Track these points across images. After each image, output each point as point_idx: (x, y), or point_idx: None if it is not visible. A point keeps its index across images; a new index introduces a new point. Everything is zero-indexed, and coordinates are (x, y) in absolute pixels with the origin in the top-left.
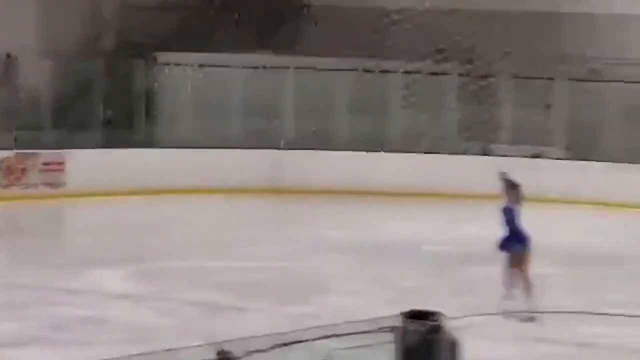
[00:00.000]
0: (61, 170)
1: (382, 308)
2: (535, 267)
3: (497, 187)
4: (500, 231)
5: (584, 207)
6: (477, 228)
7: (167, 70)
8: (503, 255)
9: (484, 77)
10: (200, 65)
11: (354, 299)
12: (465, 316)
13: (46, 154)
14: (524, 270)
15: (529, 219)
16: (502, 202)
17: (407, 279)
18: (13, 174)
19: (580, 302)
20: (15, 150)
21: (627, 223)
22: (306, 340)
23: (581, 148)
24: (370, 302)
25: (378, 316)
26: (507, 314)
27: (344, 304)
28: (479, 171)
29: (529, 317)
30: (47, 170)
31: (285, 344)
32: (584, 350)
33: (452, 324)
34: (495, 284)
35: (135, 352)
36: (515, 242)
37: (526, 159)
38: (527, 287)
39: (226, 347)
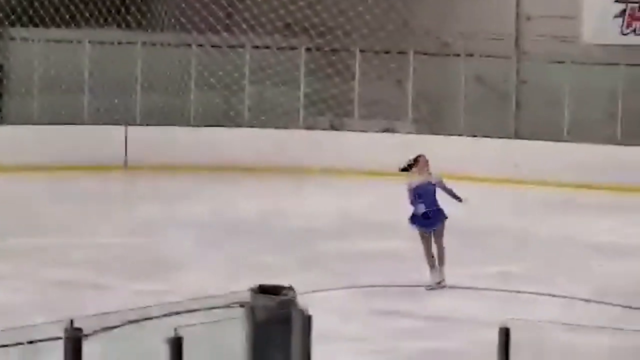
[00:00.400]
0: None
1: (234, 284)
2: (388, 241)
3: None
4: (402, 208)
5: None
6: (327, 202)
7: (17, 46)
8: (417, 231)
9: (333, 51)
10: (49, 41)
11: (205, 275)
12: (316, 291)
13: None
14: (440, 242)
15: (380, 193)
16: (416, 180)
17: (259, 255)
18: None
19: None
20: None
21: (479, 195)
22: (155, 317)
23: (432, 122)
24: (222, 278)
25: (229, 292)
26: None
27: (196, 281)
28: (329, 146)
29: (438, 285)
30: None
31: (135, 321)
32: (434, 324)
33: (303, 299)
34: (346, 259)
35: None
36: (434, 217)
37: (377, 134)
38: (442, 257)
39: (76, 324)
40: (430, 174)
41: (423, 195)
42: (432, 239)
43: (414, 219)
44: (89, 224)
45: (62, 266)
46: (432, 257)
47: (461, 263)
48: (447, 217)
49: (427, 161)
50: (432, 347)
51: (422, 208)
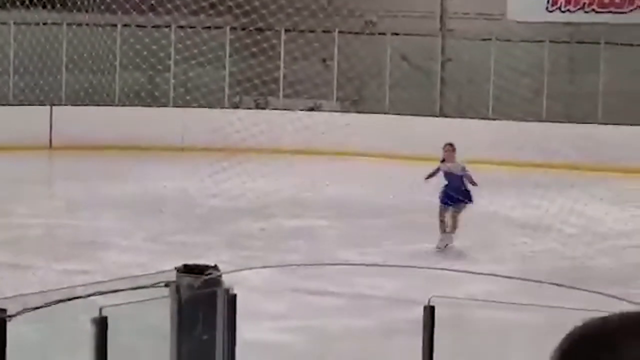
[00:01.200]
0: None
1: (158, 263)
2: (310, 219)
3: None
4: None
5: (354, 160)
6: (251, 181)
7: None
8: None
9: (258, 30)
10: None
11: (129, 255)
12: (240, 269)
13: None
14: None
15: (304, 172)
16: (445, 166)
17: (182, 234)
18: None
19: (353, 254)
20: None
21: (403, 174)
22: (80, 297)
23: (357, 101)
24: (147, 257)
25: (154, 271)
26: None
27: (120, 260)
28: (253, 124)
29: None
30: None
31: (59, 301)
32: (358, 302)
33: (228, 278)
34: (269, 237)
35: None
36: (455, 199)
37: (301, 112)
38: (454, 226)
39: (0, 305)
40: (454, 162)
41: (450, 179)
42: (450, 212)
43: (440, 194)
44: (10, 204)
45: None
46: (443, 222)
47: (385, 241)
48: (471, 202)
49: (452, 149)
50: (356, 325)
51: (447, 189)
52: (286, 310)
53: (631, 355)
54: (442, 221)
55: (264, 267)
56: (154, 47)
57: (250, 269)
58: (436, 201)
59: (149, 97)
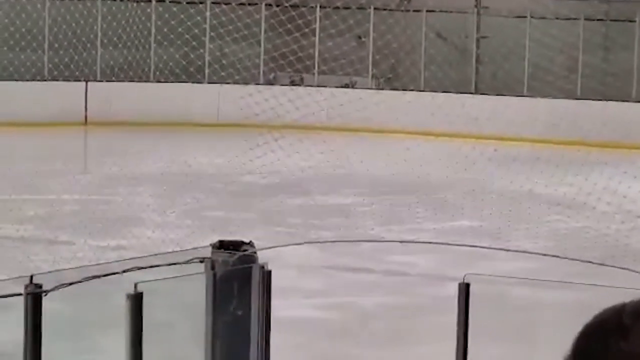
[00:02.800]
0: None
1: (193, 239)
2: (345, 197)
3: None
4: None
5: (389, 137)
6: (287, 158)
7: None
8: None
9: (293, 7)
10: None
11: (164, 231)
12: (275, 246)
13: None
14: None
15: (340, 148)
16: None
17: (217, 210)
18: None
19: (388, 231)
20: None
21: (438, 151)
22: (116, 273)
23: (392, 78)
24: (181, 233)
25: (189, 247)
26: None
27: (155, 236)
28: (288, 101)
29: None
30: None
31: (94, 277)
32: (392, 278)
33: (263, 254)
34: (305, 214)
35: None
36: None
37: (337, 89)
38: None
39: (36, 280)
40: None
41: None
42: None
43: None
44: (45, 180)
45: (18, 222)
46: None
47: (419, 218)
48: None
49: None
50: (390, 302)
51: None
52: (320, 287)
53: None
54: None
55: (299, 243)
56: (189, 23)
57: (285, 245)
58: (470, 178)
59: (183, 73)
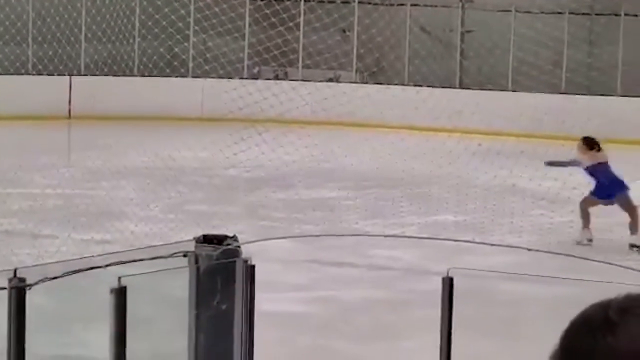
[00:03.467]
0: None
1: (177, 233)
2: (329, 190)
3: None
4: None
5: (373, 131)
6: (271, 152)
7: None
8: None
9: (278, 0)
10: None
11: (148, 225)
12: (259, 240)
13: None
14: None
15: (324, 142)
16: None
17: (202, 204)
18: None
19: (372, 225)
20: None
21: (419, 145)
22: (99, 267)
23: (376, 72)
24: (165, 227)
25: (172, 241)
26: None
27: (138, 230)
28: (272, 95)
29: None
30: None
31: (78, 271)
32: (376, 273)
33: (247, 248)
34: (289, 208)
35: None
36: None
37: (321, 83)
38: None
39: (19, 274)
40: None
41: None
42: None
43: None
44: (28, 174)
45: (1, 216)
46: (588, 216)
47: (403, 212)
48: (627, 189)
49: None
50: (374, 296)
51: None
52: (304, 281)
53: (634, 337)
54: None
55: (283, 237)
56: (173, 17)
57: (269, 239)
58: (454, 172)
59: (167, 67)
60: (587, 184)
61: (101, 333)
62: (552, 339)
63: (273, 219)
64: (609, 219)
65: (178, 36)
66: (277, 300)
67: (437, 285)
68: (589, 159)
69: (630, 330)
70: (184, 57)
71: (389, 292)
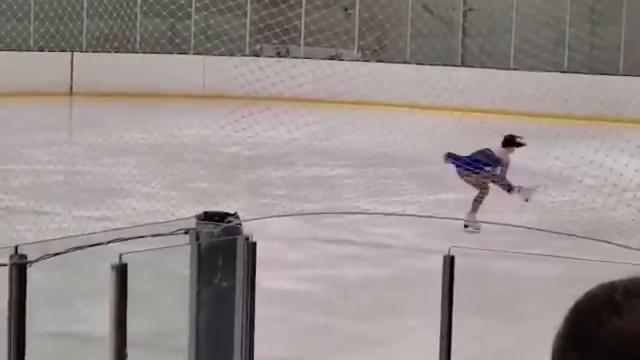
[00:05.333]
0: None
1: (178, 210)
2: (330, 169)
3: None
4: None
5: (374, 109)
6: (272, 130)
7: None
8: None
9: None
10: None
11: (149, 202)
12: (260, 218)
13: None
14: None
15: (325, 120)
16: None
17: (203, 181)
18: None
19: (373, 203)
20: None
21: (420, 123)
22: (100, 244)
23: (378, 50)
24: (166, 204)
25: (174, 219)
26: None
27: (140, 207)
28: (274, 73)
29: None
30: None
31: (79, 247)
32: (376, 251)
33: (247, 226)
34: (290, 185)
35: None
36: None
37: (323, 61)
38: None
39: (21, 251)
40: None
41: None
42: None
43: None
44: (30, 150)
45: (3, 192)
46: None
47: (404, 190)
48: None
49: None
50: (374, 274)
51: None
52: (305, 258)
53: (638, 320)
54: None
55: (284, 215)
56: None
57: (270, 217)
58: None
59: (169, 44)
60: (589, 161)
61: (103, 309)
62: (552, 317)
63: (274, 196)
64: (610, 198)
65: (180, 13)
66: (278, 278)
67: (438, 263)
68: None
69: (636, 313)
70: (185, 34)
71: (390, 270)
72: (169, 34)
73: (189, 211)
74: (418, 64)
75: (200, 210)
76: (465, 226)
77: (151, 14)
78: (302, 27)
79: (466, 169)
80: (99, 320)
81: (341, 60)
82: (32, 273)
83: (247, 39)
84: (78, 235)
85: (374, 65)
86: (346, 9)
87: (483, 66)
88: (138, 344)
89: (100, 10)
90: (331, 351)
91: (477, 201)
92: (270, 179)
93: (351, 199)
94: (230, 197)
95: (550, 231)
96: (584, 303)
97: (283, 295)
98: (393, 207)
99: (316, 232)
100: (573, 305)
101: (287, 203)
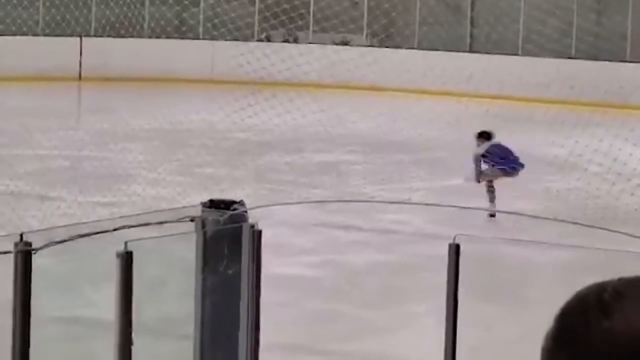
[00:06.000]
0: None
1: (185, 196)
2: (337, 155)
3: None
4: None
5: (383, 95)
6: (280, 116)
7: None
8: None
9: None
10: None
11: (156, 188)
12: (267, 205)
13: None
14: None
15: (334, 106)
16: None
17: (210, 167)
18: None
19: (380, 190)
20: None
21: (427, 110)
22: (106, 231)
23: (386, 36)
24: (174, 190)
25: (180, 205)
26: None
27: (147, 193)
28: (283, 59)
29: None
30: None
31: (85, 235)
32: (383, 237)
33: (253, 213)
34: (298, 172)
35: None
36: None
37: (331, 47)
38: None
39: (26, 238)
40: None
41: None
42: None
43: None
44: (37, 136)
45: (8, 178)
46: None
47: (412, 176)
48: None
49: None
50: (380, 260)
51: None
52: (312, 244)
53: (628, 321)
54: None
55: (289, 203)
56: None
57: (276, 205)
58: (462, 137)
59: (176, 32)
60: (594, 151)
61: (110, 295)
62: (556, 304)
63: (281, 182)
64: (615, 187)
65: (186, 1)
66: (285, 264)
67: (445, 250)
68: None
69: (625, 314)
70: (193, 22)
71: (397, 256)
72: (176, 22)
73: (195, 198)
74: (425, 50)
75: (206, 196)
76: (492, 216)
77: (157, 2)
78: (311, 14)
79: (509, 168)
80: (107, 305)
81: (349, 46)
82: (40, 259)
83: (255, 26)
84: (84, 223)
85: (381, 52)
86: None
87: (491, 52)
88: (144, 331)
89: None
90: (337, 337)
91: (491, 191)
92: (278, 165)
93: (358, 186)
94: (237, 183)
95: (555, 219)
96: (574, 303)
97: (289, 282)
98: (400, 194)
99: (323, 218)
100: (564, 305)
101: (294, 189)
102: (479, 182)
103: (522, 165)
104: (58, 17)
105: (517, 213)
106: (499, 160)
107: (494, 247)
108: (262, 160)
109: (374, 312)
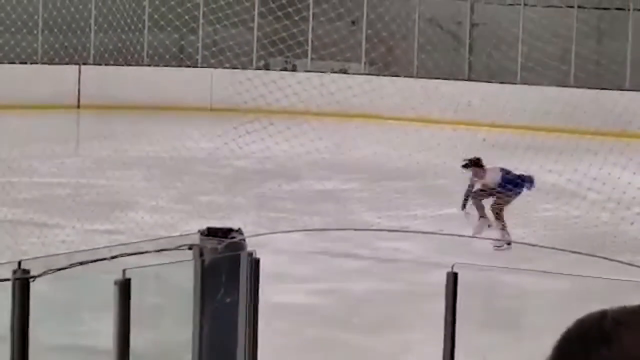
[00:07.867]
0: None
1: (184, 224)
2: (337, 182)
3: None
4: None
5: (382, 123)
6: (279, 143)
7: None
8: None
9: None
10: None
11: (154, 216)
12: (265, 233)
13: None
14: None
15: (333, 134)
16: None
17: (209, 195)
18: None
19: (380, 217)
20: None
21: (426, 138)
22: (104, 259)
23: (385, 64)
24: (173, 218)
25: (179, 233)
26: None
27: (145, 221)
28: (282, 87)
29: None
30: None
31: (83, 262)
32: (383, 265)
33: (252, 241)
34: (298, 200)
35: None
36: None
37: (330, 75)
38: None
39: (24, 265)
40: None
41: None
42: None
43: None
44: (36, 163)
45: (7, 206)
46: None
47: (412, 204)
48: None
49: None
50: (381, 288)
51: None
52: (312, 273)
53: (628, 349)
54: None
55: (289, 231)
56: (183, 7)
57: (275, 232)
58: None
59: (177, 57)
60: (592, 179)
61: (109, 323)
62: (555, 333)
63: (281, 210)
64: (614, 215)
65: (184, 29)
66: (285, 292)
67: (445, 277)
68: (482, 177)
69: (624, 343)
70: (190, 50)
71: (397, 284)
72: (173, 49)
73: (195, 225)
74: (424, 77)
75: (206, 223)
76: (508, 244)
77: (155, 30)
78: (310, 42)
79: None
80: (104, 333)
81: (348, 74)
82: (38, 286)
83: (254, 54)
84: (82, 251)
85: (380, 80)
86: (353, 23)
87: (489, 80)
88: (142, 359)
89: (108, 23)
90: None
91: (500, 218)
92: (277, 193)
93: (358, 213)
94: (237, 210)
95: (554, 248)
96: (574, 330)
97: (290, 309)
98: (400, 221)
99: (323, 246)
100: (563, 333)
101: (294, 217)
102: (463, 208)
103: (530, 180)
104: (57, 45)
105: (516, 242)
106: (509, 187)
107: (493, 276)
108: (262, 188)
109: (374, 340)
